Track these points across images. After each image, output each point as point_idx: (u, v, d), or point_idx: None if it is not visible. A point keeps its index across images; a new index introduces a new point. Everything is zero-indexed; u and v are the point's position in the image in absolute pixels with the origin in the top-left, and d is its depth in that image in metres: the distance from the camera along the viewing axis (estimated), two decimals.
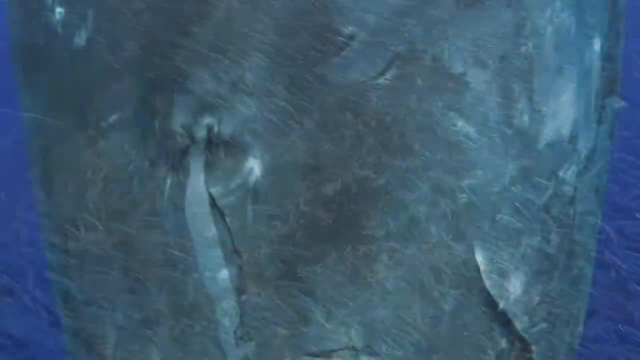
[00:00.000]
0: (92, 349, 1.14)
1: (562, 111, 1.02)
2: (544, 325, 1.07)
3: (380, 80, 0.96)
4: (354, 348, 1.01)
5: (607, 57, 1.08)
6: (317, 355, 1.01)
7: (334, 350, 1.01)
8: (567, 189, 1.04)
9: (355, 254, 0.99)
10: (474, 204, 0.99)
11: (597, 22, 1.05)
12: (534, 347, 1.07)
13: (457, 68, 0.96)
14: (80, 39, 1.04)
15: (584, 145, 1.05)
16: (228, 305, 1.02)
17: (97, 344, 1.13)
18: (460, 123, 0.97)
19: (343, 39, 0.95)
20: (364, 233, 0.99)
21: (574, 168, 1.05)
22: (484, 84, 0.97)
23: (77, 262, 1.12)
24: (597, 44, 1.05)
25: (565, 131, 1.02)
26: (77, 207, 1.10)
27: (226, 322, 1.03)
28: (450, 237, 1.00)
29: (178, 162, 1.01)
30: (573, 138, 1.03)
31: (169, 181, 1.01)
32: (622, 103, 1.13)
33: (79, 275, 1.13)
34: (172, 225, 1.02)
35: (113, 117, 1.04)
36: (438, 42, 0.95)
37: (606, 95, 1.10)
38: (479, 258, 1.01)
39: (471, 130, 0.97)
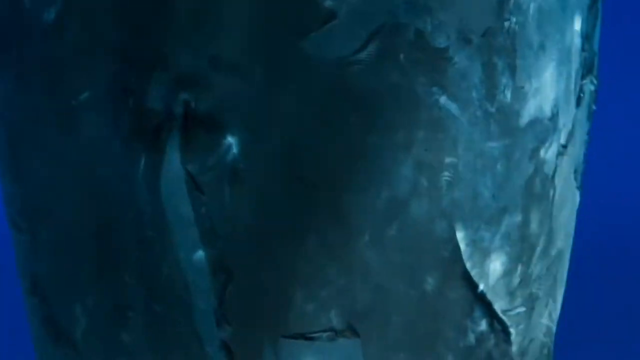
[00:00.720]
0: (61, 336, 1.11)
1: (544, 88, 1.00)
2: (524, 307, 1.06)
3: (362, 55, 0.94)
4: (333, 330, 0.99)
5: (586, 37, 1.08)
6: (296, 338, 0.99)
7: (313, 332, 0.99)
8: (548, 168, 1.03)
9: (335, 235, 0.97)
10: (455, 182, 0.98)
11: (577, 1, 1.04)
12: (512, 330, 1.06)
13: (440, 43, 0.94)
14: (50, 14, 1.01)
15: (564, 124, 1.05)
16: (204, 287, 1.00)
17: (67, 330, 1.10)
18: (443, 99, 0.96)
19: (324, 13, 0.93)
20: (344, 212, 0.97)
21: (554, 147, 1.04)
22: (467, 59, 0.95)
23: (46, 246, 1.09)
24: (577, 24, 1.04)
25: (547, 109, 1.01)
26: (46, 190, 1.07)
27: (202, 305, 1.01)
28: (432, 216, 0.98)
29: (153, 140, 0.98)
30: (554, 116, 1.02)
31: (143, 159, 0.99)
32: (596, 83, 1.12)
33: (48, 261, 1.09)
34: (147, 205, 1.00)
35: (84, 95, 1.01)
36: (421, 16, 0.93)
37: (585, 75, 1.09)
38: (460, 238, 1.00)
39: (454, 107, 0.96)
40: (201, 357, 1.02)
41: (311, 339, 0.99)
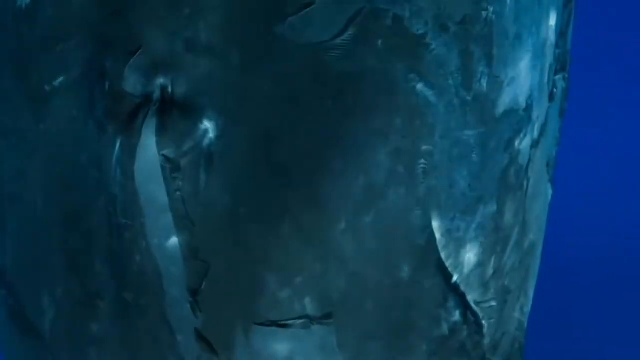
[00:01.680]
0: (28, 328, 1.09)
1: (519, 79, 1.01)
2: (497, 299, 1.06)
3: (340, 40, 0.94)
4: (307, 317, 0.98)
5: (560, 33, 1.09)
6: (269, 325, 0.98)
7: (287, 319, 0.98)
8: (522, 159, 1.04)
9: (311, 221, 0.97)
10: (431, 170, 0.98)
11: None
12: (484, 322, 1.06)
13: (418, 29, 0.94)
14: None
15: (537, 117, 1.05)
16: (177, 274, 0.99)
17: (34, 322, 1.08)
18: (420, 86, 0.96)
19: None
20: (320, 198, 0.96)
21: (528, 138, 1.04)
22: (444, 46, 0.95)
23: (14, 236, 1.07)
24: (552, 19, 1.05)
25: (522, 100, 1.02)
26: (15, 177, 1.06)
27: (175, 292, 1.00)
28: (408, 204, 0.98)
29: (129, 125, 0.97)
30: (528, 107, 1.03)
31: (118, 144, 0.98)
32: (568, 80, 1.13)
33: (16, 250, 1.08)
34: (120, 190, 0.99)
35: (58, 80, 1.00)
36: (399, 2, 0.93)
37: (558, 71, 1.10)
38: (436, 227, 0.99)
39: (431, 94, 0.96)
40: (172, 346, 1.01)
41: (285, 326, 0.98)
